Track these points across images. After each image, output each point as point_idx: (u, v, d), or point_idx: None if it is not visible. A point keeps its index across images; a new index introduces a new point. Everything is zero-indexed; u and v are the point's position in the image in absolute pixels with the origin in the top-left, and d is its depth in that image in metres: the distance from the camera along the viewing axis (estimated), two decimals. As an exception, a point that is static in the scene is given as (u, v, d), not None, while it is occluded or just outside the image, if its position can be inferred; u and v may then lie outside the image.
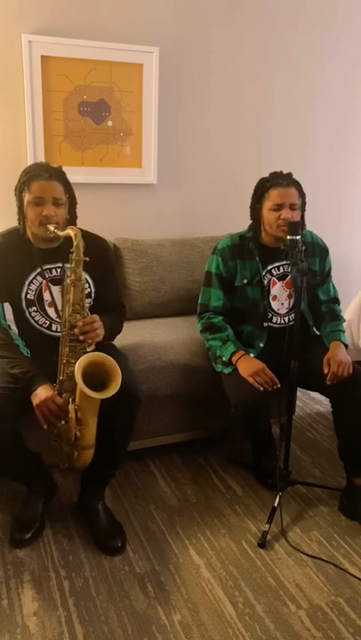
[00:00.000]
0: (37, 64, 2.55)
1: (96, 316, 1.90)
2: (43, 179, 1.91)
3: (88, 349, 1.86)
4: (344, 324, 2.38)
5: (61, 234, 1.88)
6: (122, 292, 2.27)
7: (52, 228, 1.89)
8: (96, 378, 1.78)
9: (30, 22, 2.52)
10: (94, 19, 2.62)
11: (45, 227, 1.90)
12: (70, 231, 1.85)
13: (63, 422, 1.84)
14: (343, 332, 2.33)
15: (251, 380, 2.06)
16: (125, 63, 2.70)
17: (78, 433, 1.83)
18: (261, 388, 2.05)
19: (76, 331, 1.84)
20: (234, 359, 2.15)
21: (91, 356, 1.79)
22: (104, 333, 1.94)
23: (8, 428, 1.85)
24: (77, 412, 1.80)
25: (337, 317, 2.37)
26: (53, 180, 1.92)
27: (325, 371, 2.12)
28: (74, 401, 1.82)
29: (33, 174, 1.92)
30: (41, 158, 2.64)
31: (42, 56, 2.55)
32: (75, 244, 1.84)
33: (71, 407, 1.81)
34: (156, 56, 2.72)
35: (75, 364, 1.81)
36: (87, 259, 1.86)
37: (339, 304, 2.44)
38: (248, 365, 2.11)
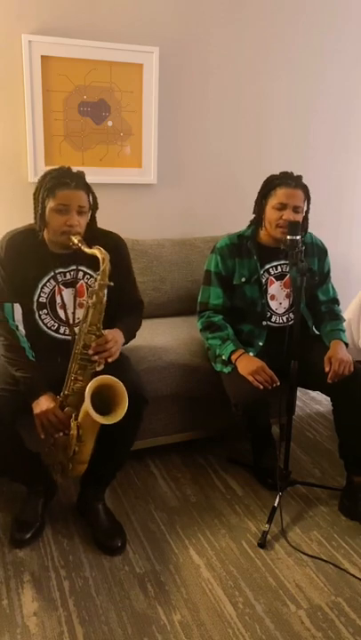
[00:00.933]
0: (37, 64, 2.55)
1: (109, 335, 1.87)
2: (69, 188, 1.86)
3: (98, 369, 1.86)
4: (344, 324, 2.38)
5: (88, 251, 1.84)
6: (139, 288, 2.23)
7: (75, 240, 1.85)
8: (102, 397, 1.77)
9: (30, 22, 2.52)
10: (94, 19, 2.62)
11: (68, 236, 1.87)
12: (98, 253, 1.82)
13: (61, 434, 1.84)
14: (343, 331, 2.33)
15: (250, 378, 2.06)
16: (125, 63, 2.70)
17: (77, 449, 1.84)
18: (261, 387, 2.05)
19: (90, 351, 1.83)
20: (233, 358, 2.15)
21: (102, 379, 1.78)
22: (121, 346, 1.93)
23: (8, 428, 1.85)
24: (79, 429, 1.80)
25: (337, 317, 2.37)
26: (80, 190, 1.89)
27: (327, 369, 2.12)
28: (76, 417, 1.82)
29: (59, 182, 1.86)
30: (41, 158, 2.64)
31: (42, 56, 2.55)
32: (102, 268, 1.81)
33: (73, 424, 1.81)
34: (156, 56, 2.72)
35: (82, 381, 1.83)
36: (111, 283, 1.85)
37: (338, 304, 2.44)
38: (247, 364, 2.11)
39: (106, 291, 1.96)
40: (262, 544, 2.02)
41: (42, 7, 2.52)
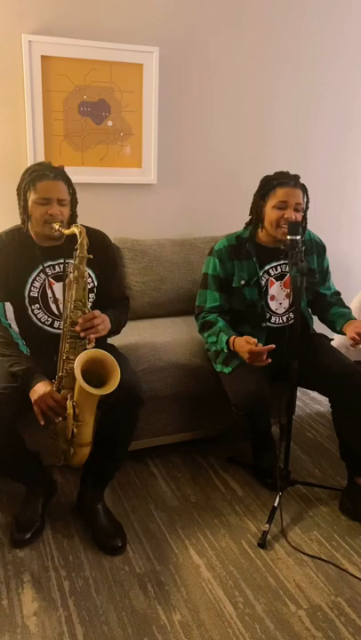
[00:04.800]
0: (37, 64, 2.55)
1: (97, 312, 1.90)
2: (48, 179, 1.92)
3: (88, 346, 1.87)
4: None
5: (66, 232, 1.89)
6: (125, 285, 2.27)
7: (56, 226, 1.91)
8: (95, 375, 1.79)
9: (30, 22, 2.52)
10: (94, 19, 2.62)
11: (50, 225, 1.92)
12: (75, 229, 1.87)
13: (60, 419, 1.84)
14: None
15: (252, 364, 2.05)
16: (125, 63, 2.70)
17: (75, 430, 1.83)
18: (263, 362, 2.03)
19: (77, 328, 1.85)
20: (232, 348, 2.14)
21: (90, 352, 1.80)
22: (108, 328, 1.96)
23: (8, 428, 1.84)
24: (75, 408, 1.80)
25: (344, 305, 2.40)
26: (58, 180, 1.95)
27: (356, 333, 2.11)
28: (72, 397, 1.82)
29: (38, 174, 1.93)
30: (41, 158, 2.64)
31: (42, 56, 2.54)
32: (79, 241, 1.85)
33: (69, 403, 1.82)
34: (156, 56, 2.72)
35: (74, 360, 1.82)
36: (91, 256, 1.88)
37: (340, 295, 2.48)
38: (241, 353, 2.09)
39: (93, 276, 2.01)
40: (262, 544, 2.02)
41: (42, 7, 2.52)
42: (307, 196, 2.21)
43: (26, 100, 2.57)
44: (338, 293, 2.46)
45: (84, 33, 2.60)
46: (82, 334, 1.86)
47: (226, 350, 2.16)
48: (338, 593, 1.84)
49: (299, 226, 2.03)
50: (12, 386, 1.88)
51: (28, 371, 1.87)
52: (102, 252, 2.08)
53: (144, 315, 2.77)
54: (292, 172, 2.22)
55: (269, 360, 2.03)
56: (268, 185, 2.19)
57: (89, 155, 2.76)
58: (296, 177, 2.19)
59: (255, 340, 2.05)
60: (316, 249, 2.37)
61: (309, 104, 3.14)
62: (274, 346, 2.02)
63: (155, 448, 2.53)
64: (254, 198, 2.27)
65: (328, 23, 3.05)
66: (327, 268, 2.43)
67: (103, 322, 1.91)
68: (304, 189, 2.19)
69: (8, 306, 1.98)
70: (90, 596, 1.80)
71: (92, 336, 1.87)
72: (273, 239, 2.23)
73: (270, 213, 2.18)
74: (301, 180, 2.21)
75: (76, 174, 2.58)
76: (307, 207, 2.23)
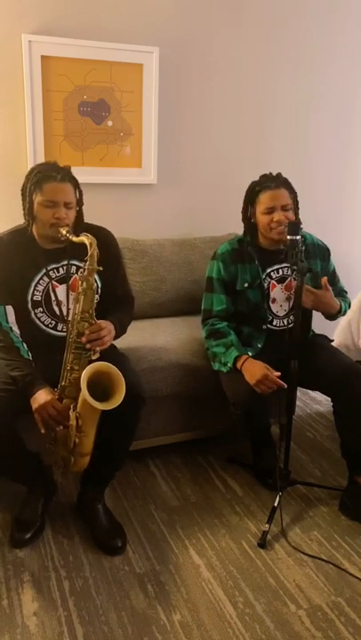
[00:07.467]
0: (37, 64, 2.55)
1: (103, 323, 1.88)
2: (55, 180, 1.87)
3: (93, 357, 1.85)
4: (344, 319, 2.40)
5: (75, 239, 1.84)
6: (129, 283, 2.24)
7: (64, 231, 1.86)
8: (99, 387, 1.77)
9: (30, 22, 2.52)
10: (94, 19, 2.62)
11: (57, 229, 1.88)
12: (85, 239, 1.82)
13: (61, 427, 1.84)
14: (345, 305, 2.36)
15: (256, 389, 2.05)
16: (125, 63, 2.70)
17: (77, 440, 1.83)
18: (268, 391, 2.03)
19: (84, 339, 1.83)
20: (238, 365, 2.13)
21: (97, 365, 1.78)
22: (113, 336, 1.94)
23: (8, 428, 1.84)
24: (78, 419, 1.79)
25: (344, 299, 2.39)
26: (66, 182, 1.90)
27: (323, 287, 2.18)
28: (75, 408, 1.82)
29: (44, 175, 1.88)
30: (41, 158, 2.64)
31: (42, 56, 2.55)
32: (90, 252, 1.82)
33: (72, 414, 1.81)
34: (156, 56, 2.72)
35: (78, 370, 1.82)
36: (101, 268, 1.84)
37: (347, 293, 2.47)
38: (252, 373, 2.07)
39: (97, 277, 1.96)
40: (262, 544, 2.02)
41: (42, 7, 2.52)
42: (293, 192, 2.21)
43: (26, 100, 2.57)
44: (341, 293, 2.45)
45: (84, 33, 2.60)
46: (88, 346, 1.84)
47: (230, 366, 2.15)
48: (338, 593, 1.84)
49: (299, 226, 2.03)
50: (11, 388, 1.87)
51: (29, 376, 1.86)
52: (104, 249, 2.00)
53: (144, 315, 2.77)
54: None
55: (274, 387, 2.02)
56: (252, 193, 2.21)
57: (89, 155, 2.76)
58: (278, 177, 2.19)
59: (278, 373, 2.04)
60: (320, 253, 2.36)
61: (309, 104, 3.14)
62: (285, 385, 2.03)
63: (155, 448, 2.53)
64: (243, 207, 2.26)
65: (328, 23, 3.05)
66: (333, 270, 2.43)
67: (109, 333, 1.89)
68: (288, 187, 2.19)
69: (9, 309, 1.95)
70: (90, 596, 1.80)
71: (98, 348, 1.85)
72: (272, 242, 2.23)
73: (261, 219, 2.19)
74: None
75: (76, 174, 2.56)
76: (296, 202, 2.23)
